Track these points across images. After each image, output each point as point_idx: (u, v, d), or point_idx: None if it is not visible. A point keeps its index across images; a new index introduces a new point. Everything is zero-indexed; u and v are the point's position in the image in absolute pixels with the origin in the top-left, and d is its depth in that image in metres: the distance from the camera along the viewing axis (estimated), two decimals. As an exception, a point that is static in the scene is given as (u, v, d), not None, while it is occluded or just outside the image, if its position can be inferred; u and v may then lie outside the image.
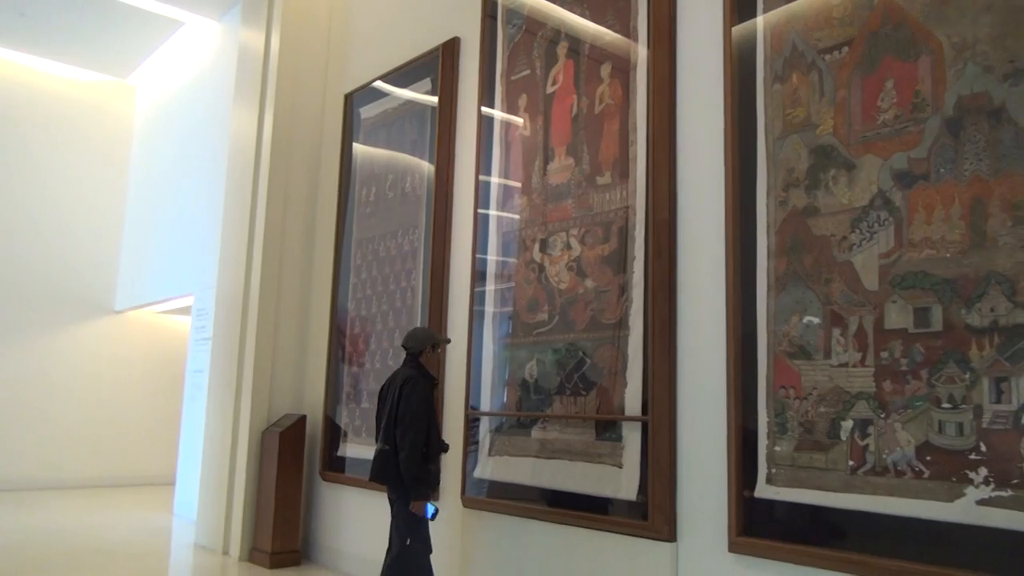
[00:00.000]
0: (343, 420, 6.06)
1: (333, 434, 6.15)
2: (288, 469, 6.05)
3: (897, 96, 2.98)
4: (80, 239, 11.07)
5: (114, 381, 10.93)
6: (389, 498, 4.17)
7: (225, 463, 6.49)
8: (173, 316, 11.34)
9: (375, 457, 4.09)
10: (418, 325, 5.34)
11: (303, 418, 6.25)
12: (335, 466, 6.06)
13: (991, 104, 2.72)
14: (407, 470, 3.88)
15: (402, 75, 6.05)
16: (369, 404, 5.79)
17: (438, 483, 4.10)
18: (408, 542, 3.93)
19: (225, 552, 6.38)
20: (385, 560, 4.12)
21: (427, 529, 4.04)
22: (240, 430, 6.45)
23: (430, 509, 3.92)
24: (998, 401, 2.60)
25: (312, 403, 6.50)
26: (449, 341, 4.58)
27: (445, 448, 4.25)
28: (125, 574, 5.82)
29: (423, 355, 4.23)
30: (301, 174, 6.92)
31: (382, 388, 4.33)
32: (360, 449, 5.81)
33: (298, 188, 6.89)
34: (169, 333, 11.39)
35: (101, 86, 11.53)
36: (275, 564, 5.91)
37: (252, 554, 6.15)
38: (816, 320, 3.14)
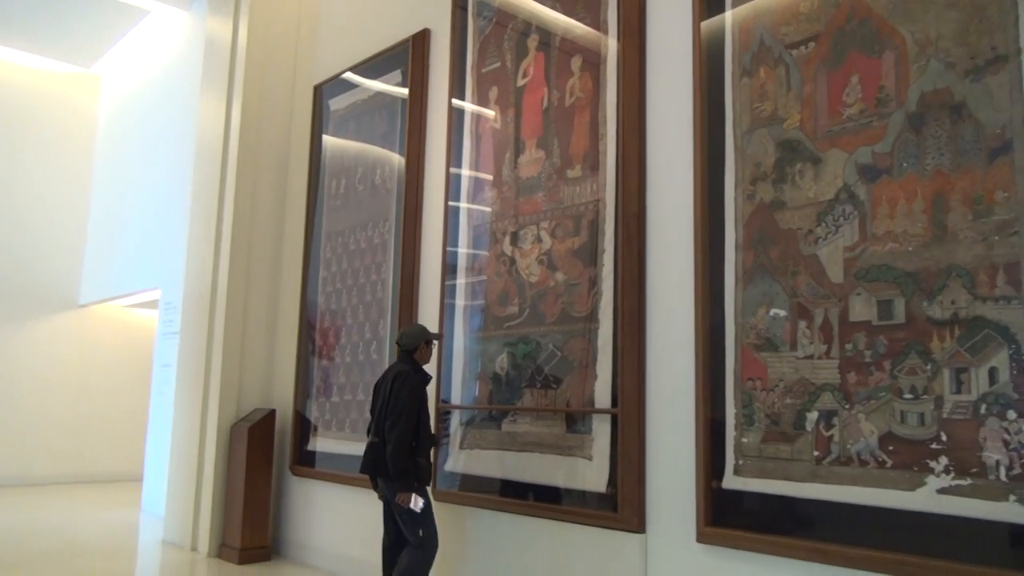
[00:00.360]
0: (313, 414, 6.02)
1: (303, 428, 6.10)
2: (257, 464, 5.99)
3: (862, 91, 3.01)
4: (43, 232, 10.83)
5: (79, 376, 10.74)
6: (383, 494, 4.15)
7: (193, 458, 6.41)
8: (140, 310, 11.16)
9: (366, 450, 4.11)
10: (396, 319, 5.31)
11: (272, 412, 6.19)
12: (305, 460, 6.01)
13: (952, 100, 2.76)
14: (393, 463, 3.90)
15: (372, 66, 6.00)
16: (339, 398, 5.76)
17: (429, 476, 4.10)
18: (421, 533, 3.96)
19: (193, 548, 6.31)
20: (396, 554, 4.14)
21: (432, 518, 4.04)
22: (208, 425, 6.37)
23: (418, 501, 3.93)
24: (958, 392, 2.65)
25: (282, 397, 6.44)
26: (441, 337, 4.57)
27: (435, 442, 4.25)
28: (92, 572, 5.72)
29: (417, 351, 4.23)
30: (270, 166, 6.83)
31: (376, 383, 4.34)
32: (330, 443, 5.77)
33: (267, 180, 6.80)
34: (135, 327, 11.21)
35: (64, 76, 11.28)
36: (244, 560, 5.85)
37: (221, 550, 6.09)
38: (783, 312, 3.17)
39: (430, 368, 4.43)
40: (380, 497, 4.22)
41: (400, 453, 3.89)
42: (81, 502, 9.07)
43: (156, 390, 8.67)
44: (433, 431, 4.37)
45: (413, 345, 4.21)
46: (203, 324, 6.59)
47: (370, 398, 5.35)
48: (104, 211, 10.87)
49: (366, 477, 5.19)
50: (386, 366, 5.32)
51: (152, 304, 10.10)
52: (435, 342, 4.45)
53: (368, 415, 5.28)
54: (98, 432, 10.71)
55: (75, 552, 6.32)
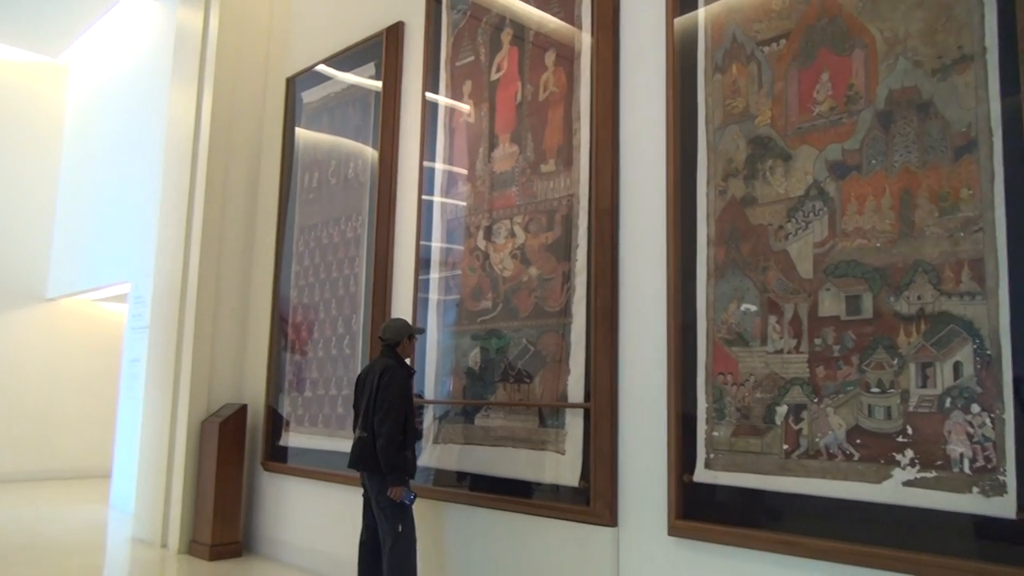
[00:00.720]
0: (285, 409, 5.96)
1: (275, 423, 6.04)
2: (228, 460, 5.92)
3: (832, 88, 3.04)
4: (9, 224, 10.60)
5: (47, 371, 10.53)
6: (366, 488, 4.14)
7: (163, 454, 6.32)
8: (109, 304, 10.98)
9: (354, 445, 4.10)
10: (369, 314, 5.27)
11: (244, 407, 6.12)
12: (277, 456, 5.96)
13: (920, 98, 2.79)
14: (384, 457, 3.90)
15: (345, 59, 5.94)
16: (312, 393, 5.71)
17: (415, 469, 4.10)
18: (400, 528, 3.95)
19: (163, 545, 6.23)
20: (373, 549, 4.14)
21: (411, 514, 4.03)
22: (178, 420, 6.29)
23: (408, 495, 3.94)
24: (924, 386, 2.68)
25: (253, 392, 6.37)
26: (423, 331, 4.55)
27: (419, 435, 4.25)
28: (60, 570, 5.63)
29: (400, 345, 4.23)
30: (241, 159, 6.74)
31: (359, 378, 4.32)
32: (303, 438, 5.73)
33: (238, 173, 6.71)
34: (104, 321, 11.02)
35: (30, 66, 11.03)
36: (215, 556, 5.79)
37: (191, 547, 6.01)
38: (753, 308, 3.19)
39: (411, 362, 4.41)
40: (364, 493, 4.20)
41: (391, 447, 3.90)
42: (49, 499, 8.92)
43: (125, 385, 8.54)
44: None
45: (396, 339, 4.20)
46: (173, 318, 6.49)
47: (344, 392, 5.38)
48: (72, 204, 10.67)
49: (339, 472, 5.21)
50: (360, 361, 5.30)
51: (121, 298, 9.94)
52: (417, 336, 4.43)
53: (348, 410, 5.32)
54: (66, 428, 10.52)
55: (43, 549, 6.20)
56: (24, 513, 7.94)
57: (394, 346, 4.21)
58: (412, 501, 3.97)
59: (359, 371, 5.24)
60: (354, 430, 4.26)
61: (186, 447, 6.14)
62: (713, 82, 3.45)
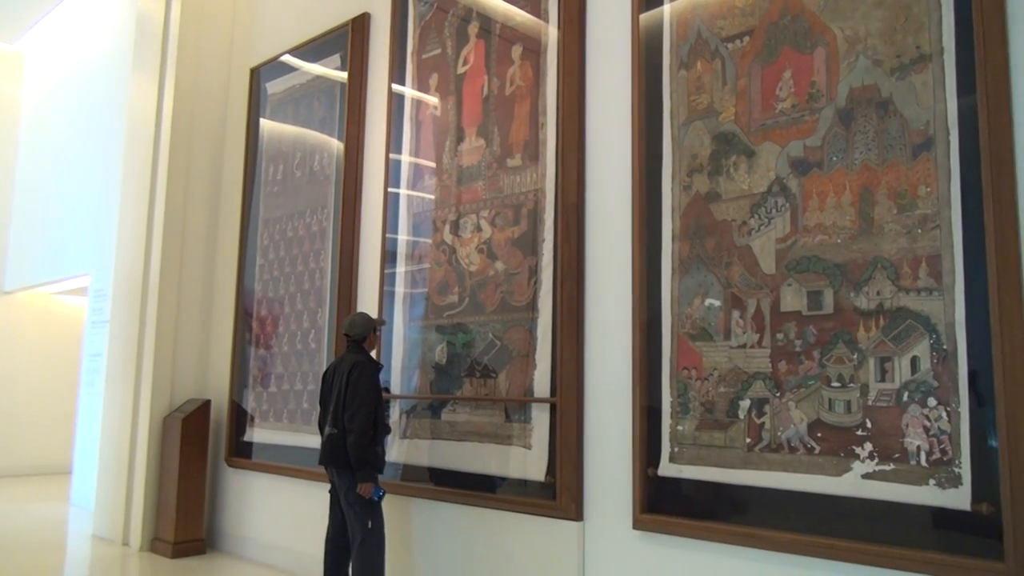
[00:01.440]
0: (250, 404, 5.88)
1: (239, 419, 5.95)
2: (191, 455, 5.83)
3: (795, 86, 3.06)
4: (-37, 215, 10.32)
5: (5, 366, 10.26)
6: (334, 484, 4.10)
7: (124, 450, 6.20)
8: (68, 297, 10.72)
9: (325, 442, 4.05)
10: (335, 308, 5.22)
11: (207, 403, 6.02)
12: (241, 452, 5.88)
13: (880, 96, 2.82)
14: (355, 453, 3.87)
15: (311, 50, 5.85)
16: (277, 388, 5.64)
17: (384, 464, 4.07)
18: (369, 524, 3.92)
19: (125, 543, 6.12)
20: (340, 545, 4.11)
21: (381, 509, 4.00)
22: (140, 416, 6.17)
23: (378, 491, 3.91)
24: (882, 380, 2.73)
25: (217, 387, 6.27)
26: (385, 323, 4.52)
27: (388, 431, 4.22)
28: (19, 568, 5.50)
29: (367, 340, 4.18)
30: (204, 150, 6.61)
31: (325, 373, 4.26)
32: (268, 434, 5.66)
33: (201, 165, 6.58)
34: (64, 315, 10.77)
35: (-15, 51, 10.73)
36: (178, 554, 5.70)
37: (154, 544, 5.92)
38: (717, 303, 3.21)
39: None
40: (331, 489, 4.16)
41: (362, 443, 3.87)
42: (8, 496, 8.71)
43: (85, 380, 8.36)
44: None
45: (363, 334, 4.16)
46: (135, 311, 6.36)
47: (310, 387, 5.32)
48: (30, 194, 10.39)
49: (304, 468, 5.16)
50: (325, 355, 5.24)
51: (81, 291, 9.72)
52: (380, 329, 4.40)
53: (313, 405, 5.26)
54: (25, 424, 10.27)
55: (1, 548, 6.05)
56: (-20, 511, 7.75)
57: (360, 341, 4.17)
58: (381, 497, 3.95)
59: (325, 366, 5.20)
60: (320, 426, 4.22)
61: (148, 443, 6.03)
62: (678, 78, 3.46)
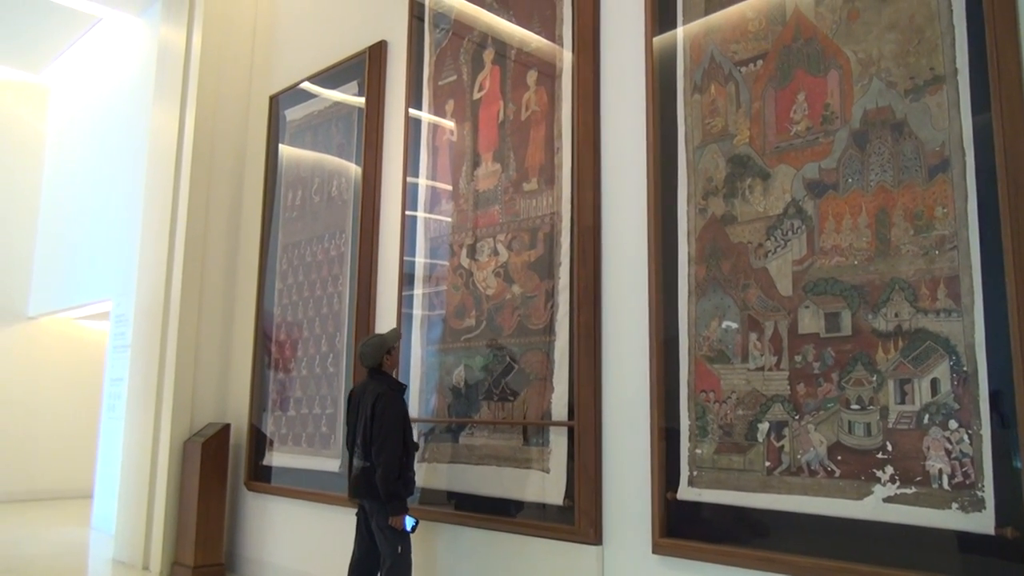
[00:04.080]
0: (269, 428, 5.92)
1: (259, 443, 6.00)
2: (211, 480, 5.88)
3: (808, 108, 3.08)
4: (-11, 242, 10.53)
5: (28, 390, 10.40)
6: (363, 509, 4.12)
7: (145, 475, 6.26)
8: (90, 322, 10.88)
9: (357, 475, 4.06)
10: (353, 331, 5.24)
11: (227, 427, 6.08)
12: (261, 476, 5.91)
13: (894, 118, 2.83)
14: (384, 487, 3.88)
15: (329, 77, 5.95)
16: (295, 412, 5.68)
17: (414, 487, 4.07)
18: (399, 549, 3.95)
19: (145, 567, 6.15)
20: (364, 569, 4.12)
21: (409, 535, 4.02)
22: (161, 440, 6.23)
23: (409, 522, 3.92)
24: (902, 402, 2.71)
25: (236, 411, 6.33)
26: (400, 336, 4.46)
27: (417, 447, 4.22)
28: (37, 594, 5.55)
29: (382, 364, 4.16)
30: (224, 177, 6.73)
31: (351, 394, 4.27)
32: (287, 458, 5.69)
33: (221, 191, 6.70)
34: (86, 340, 10.92)
35: (11, 84, 10.98)
36: (198, 578, 5.73)
37: (174, 569, 5.95)
38: (734, 325, 3.21)
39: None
40: (358, 513, 4.18)
41: (390, 477, 3.88)
42: (29, 520, 8.79)
43: (107, 404, 8.46)
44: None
45: (375, 363, 4.14)
46: (155, 336, 6.45)
47: (328, 411, 5.35)
48: (54, 221, 10.59)
49: (324, 492, 5.19)
50: (344, 379, 5.28)
51: (103, 316, 9.85)
52: (397, 345, 4.34)
53: (331, 428, 5.29)
54: (47, 448, 10.39)
55: (23, 571, 6.11)
56: (4, 535, 7.83)
57: (377, 367, 4.17)
58: (414, 528, 3.95)
59: (344, 389, 5.24)
60: (348, 449, 4.21)
61: (168, 467, 6.09)
62: (692, 102, 3.49)
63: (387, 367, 4.20)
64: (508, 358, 4.15)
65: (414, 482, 4.10)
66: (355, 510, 4.26)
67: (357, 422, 4.14)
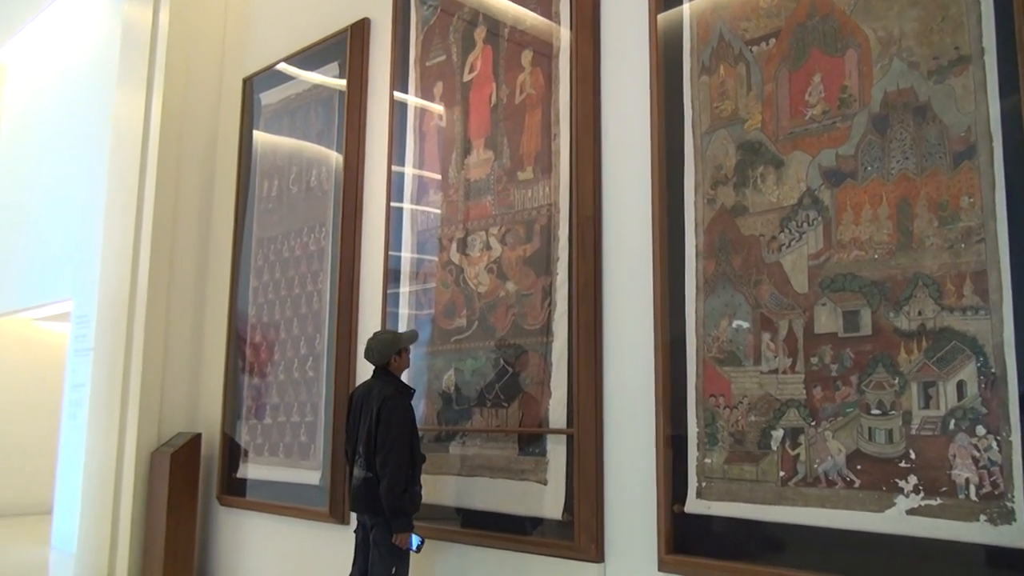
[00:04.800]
0: (244, 438, 5.92)
1: (232, 454, 5.99)
2: (181, 494, 5.87)
3: (825, 91, 3.09)
4: (-62, 237, 10.48)
5: (-19, 398, 10.40)
6: (361, 522, 4.07)
7: (109, 489, 6.24)
8: (49, 323, 10.84)
9: (358, 486, 3.98)
10: (334, 332, 5.22)
11: (198, 436, 6.07)
12: (235, 489, 5.91)
13: (917, 101, 2.84)
14: (388, 501, 3.81)
15: (307, 58, 5.95)
16: (272, 420, 5.67)
17: (420, 503, 4.00)
18: (394, 571, 3.88)
19: (110, 588, 6.15)
20: None
21: (408, 557, 3.97)
22: (126, 451, 6.21)
23: (415, 540, 3.87)
24: (926, 407, 2.72)
25: (208, 420, 6.32)
26: (416, 339, 4.37)
27: (424, 459, 4.14)
28: (-8, 618, 5.54)
29: (390, 364, 4.10)
30: (194, 166, 6.71)
31: (351, 399, 4.21)
32: (263, 470, 5.68)
33: (191, 181, 6.68)
34: (45, 342, 10.89)
35: (-38, 63, 10.95)
36: (167, 600, 5.73)
37: (141, 590, 5.95)
38: (746, 324, 3.22)
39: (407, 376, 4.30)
40: (357, 530, 4.12)
41: (395, 490, 3.80)
42: (-18, 539, 8.77)
43: (68, 413, 8.42)
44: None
45: (383, 360, 4.08)
46: (120, 339, 6.42)
47: (307, 419, 5.35)
48: (8, 213, 10.53)
49: (302, 506, 5.19)
50: (324, 385, 5.27)
51: (63, 317, 9.81)
52: (408, 348, 4.26)
53: (311, 437, 5.29)
54: (3, 461, 10.35)
55: (-25, 596, 6.11)
56: (-45, 555, 7.81)
57: (385, 367, 4.11)
58: (419, 548, 3.89)
59: (324, 395, 5.23)
60: (347, 458, 4.16)
61: (134, 480, 6.07)
62: (699, 83, 3.50)
63: (395, 368, 4.13)
64: (502, 361, 4.15)
65: (420, 497, 4.01)
66: (342, 525, 4.21)
67: (359, 427, 4.05)
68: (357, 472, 4.02)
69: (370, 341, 4.14)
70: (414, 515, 3.93)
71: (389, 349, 4.09)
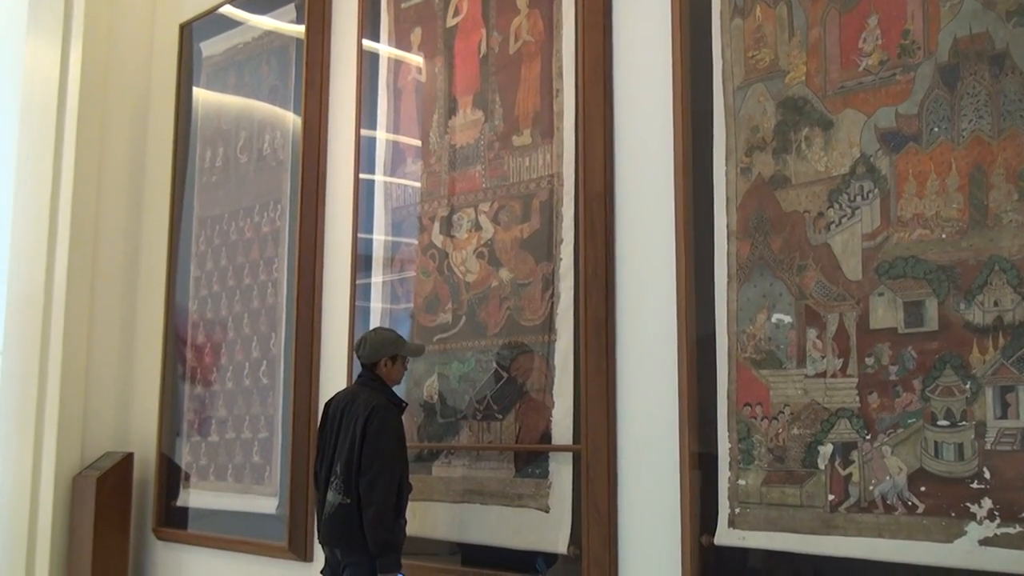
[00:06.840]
0: (185, 459, 5.94)
1: (171, 478, 6.01)
2: (109, 526, 5.89)
3: (882, 36, 3.09)
4: None
5: None
6: (330, 561, 4.00)
7: (23, 519, 6.26)
8: (-51, 322, 10.83)
9: (333, 514, 3.88)
10: (292, 331, 5.23)
11: (129, 457, 6.10)
12: (174, 520, 5.93)
13: (993, 48, 2.84)
14: (375, 534, 3.73)
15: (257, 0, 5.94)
16: (219, 437, 5.68)
17: (404, 538, 3.93)
18: None
19: (25, 640, 6.18)
20: None
21: None
22: (43, 475, 6.23)
23: None
24: (1004, 416, 2.73)
25: (142, 437, 6.34)
26: (421, 352, 4.35)
27: (411, 489, 4.08)
28: None
29: (379, 367, 4.03)
30: (121, 130, 6.72)
31: (327, 407, 4.16)
32: (208, 496, 5.70)
33: (118, 150, 6.68)
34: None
35: None
36: (94, 653, 5.75)
37: (62, 641, 5.97)
38: (787, 319, 3.23)
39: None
40: (323, 570, 4.06)
41: (385, 521, 3.74)
42: None
43: (-28, 430, 8.43)
44: None
45: (374, 358, 4.01)
46: (34, 341, 6.43)
47: (261, 435, 5.35)
48: None
49: (256, 540, 5.19)
50: (281, 394, 5.28)
51: (-35, 315, 9.82)
52: (407, 359, 4.22)
53: (264, 458, 5.30)
54: None
55: None
56: None
57: (373, 367, 4.04)
58: None
59: (281, 407, 5.24)
60: (319, 479, 4.08)
61: (53, 509, 6.09)
62: (732, 29, 3.49)
63: (384, 375, 4.06)
64: (495, 364, 4.16)
65: (405, 532, 3.94)
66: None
67: (338, 441, 3.97)
68: (331, 497, 3.92)
69: (367, 333, 4.14)
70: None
71: (385, 348, 4.03)
